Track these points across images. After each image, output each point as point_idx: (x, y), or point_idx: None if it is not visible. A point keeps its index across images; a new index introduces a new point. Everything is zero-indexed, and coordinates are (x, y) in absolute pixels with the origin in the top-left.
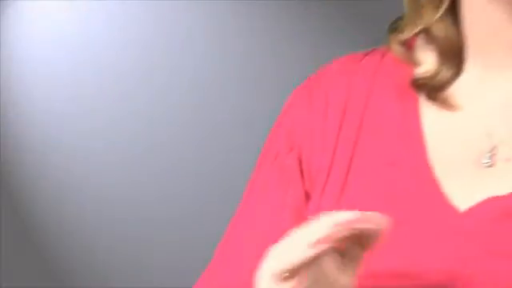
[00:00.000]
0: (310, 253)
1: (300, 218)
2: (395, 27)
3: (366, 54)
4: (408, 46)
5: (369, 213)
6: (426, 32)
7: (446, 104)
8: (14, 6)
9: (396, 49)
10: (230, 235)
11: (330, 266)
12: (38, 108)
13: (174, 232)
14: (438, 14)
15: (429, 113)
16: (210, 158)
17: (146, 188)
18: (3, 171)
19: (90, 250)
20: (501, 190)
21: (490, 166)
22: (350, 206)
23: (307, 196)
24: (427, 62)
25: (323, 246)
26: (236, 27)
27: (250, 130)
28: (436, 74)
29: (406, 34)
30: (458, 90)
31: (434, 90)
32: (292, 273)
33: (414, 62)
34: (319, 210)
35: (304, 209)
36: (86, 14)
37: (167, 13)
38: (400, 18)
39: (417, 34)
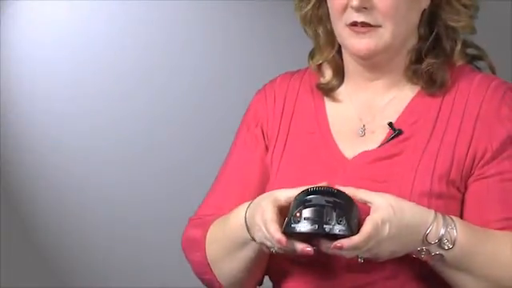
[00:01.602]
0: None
1: (263, 161)
2: (311, 54)
3: (294, 73)
4: (319, 64)
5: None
6: (327, 60)
7: (335, 99)
8: (13, 6)
9: (312, 67)
10: (219, 176)
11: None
12: (38, 108)
13: (174, 232)
14: (331, 54)
15: (329, 105)
16: (210, 158)
17: (145, 188)
18: (3, 171)
19: (89, 250)
20: (370, 147)
21: (362, 136)
22: (289, 156)
23: (267, 149)
24: (327, 75)
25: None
26: (236, 27)
27: None
28: (329, 83)
29: (315, 62)
30: (342, 92)
31: (328, 92)
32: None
33: (321, 75)
34: (272, 159)
35: (265, 157)
36: (86, 14)
37: (167, 13)
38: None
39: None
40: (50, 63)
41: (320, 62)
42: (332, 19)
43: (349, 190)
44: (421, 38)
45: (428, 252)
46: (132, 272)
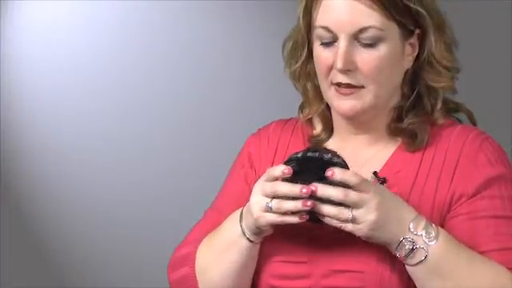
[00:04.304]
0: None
1: None
2: (301, 107)
3: (288, 121)
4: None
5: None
6: (316, 113)
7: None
8: (13, 6)
9: (302, 120)
10: (212, 206)
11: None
12: (39, 108)
13: (174, 232)
14: (321, 108)
15: None
16: (210, 158)
17: (145, 188)
18: (3, 171)
19: (89, 250)
20: None
21: None
22: None
23: None
24: (317, 128)
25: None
26: (236, 27)
27: (250, 130)
28: (319, 135)
29: (305, 116)
30: (331, 144)
31: (318, 144)
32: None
33: (312, 127)
34: None
35: None
36: (86, 14)
37: (168, 13)
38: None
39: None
40: (50, 63)
41: (310, 116)
42: (318, 78)
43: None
44: (403, 96)
45: (412, 242)
46: (132, 272)
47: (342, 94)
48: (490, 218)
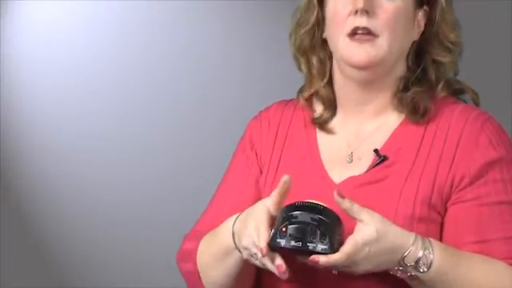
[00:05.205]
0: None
1: (257, 183)
2: (301, 90)
3: (288, 102)
4: (309, 99)
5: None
6: (317, 93)
7: (328, 131)
8: (13, 6)
9: (302, 102)
10: (215, 195)
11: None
12: (38, 108)
13: (174, 232)
14: (322, 84)
15: (320, 136)
16: (210, 158)
17: (145, 188)
18: (3, 171)
19: (89, 250)
20: (357, 173)
21: (350, 162)
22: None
23: (261, 171)
24: (318, 109)
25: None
26: (236, 27)
27: None
28: (322, 116)
29: (306, 94)
30: (333, 124)
31: (322, 124)
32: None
33: (311, 109)
34: (265, 183)
35: (259, 178)
36: (86, 14)
37: (168, 13)
38: (304, 85)
39: (312, 94)
40: (50, 63)
41: (311, 92)
42: (332, 32)
43: (346, 203)
44: (408, 70)
45: (404, 271)
46: (132, 272)
47: (357, 40)
48: (494, 205)
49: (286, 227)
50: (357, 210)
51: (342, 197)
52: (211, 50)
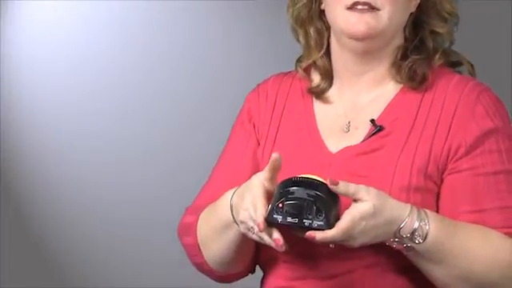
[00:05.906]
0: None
1: (255, 154)
2: (299, 60)
3: (286, 74)
4: (307, 69)
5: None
6: (314, 63)
7: (325, 101)
8: (13, 6)
9: (300, 72)
10: (215, 168)
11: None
12: (38, 108)
13: (174, 232)
14: (320, 54)
15: (317, 105)
16: (210, 158)
17: (145, 188)
18: (3, 171)
19: (89, 250)
20: (353, 143)
21: (347, 132)
22: (278, 151)
23: (259, 143)
24: (315, 79)
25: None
26: (236, 27)
27: None
28: (319, 86)
29: (304, 64)
30: (330, 94)
31: (318, 94)
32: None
33: (309, 79)
34: (263, 154)
35: (257, 150)
36: (86, 14)
37: (167, 13)
38: (302, 55)
39: (310, 65)
40: (50, 63)
41: (308, 63)
42: (330, 5)
43: (341, 188)
44: (406, 40)
45: (400, 243)
46: (132, 272)
47: (357, 11)
48: (490, 175)
49: (283, 203)
50: (353, 190)
51: (335, 183)
52: (211, 49)
